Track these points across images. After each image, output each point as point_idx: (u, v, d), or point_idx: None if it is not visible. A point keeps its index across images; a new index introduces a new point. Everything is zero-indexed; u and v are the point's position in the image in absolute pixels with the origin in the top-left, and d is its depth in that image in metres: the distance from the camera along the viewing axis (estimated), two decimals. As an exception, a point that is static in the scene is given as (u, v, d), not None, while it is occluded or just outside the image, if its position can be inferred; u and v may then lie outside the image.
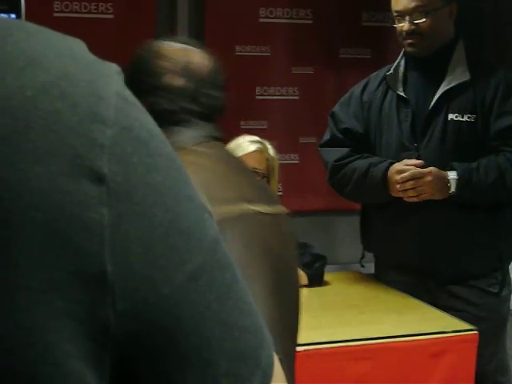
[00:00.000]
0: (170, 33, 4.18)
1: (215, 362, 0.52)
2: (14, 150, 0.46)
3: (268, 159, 3.07)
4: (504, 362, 3.03)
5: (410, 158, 2.97)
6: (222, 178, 1.64)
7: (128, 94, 0.52)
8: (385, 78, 3.13)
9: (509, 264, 3.07)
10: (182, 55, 1.72)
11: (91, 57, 0.52)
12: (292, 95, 4.40)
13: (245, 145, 3.05)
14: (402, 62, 3.14)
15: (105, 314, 0.47)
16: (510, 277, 3.07)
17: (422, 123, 3.02)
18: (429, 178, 2.90)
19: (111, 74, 0.52)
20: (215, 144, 1.73)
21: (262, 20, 4.32)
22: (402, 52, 3.16)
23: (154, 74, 1.70)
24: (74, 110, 0.48)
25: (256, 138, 3.12)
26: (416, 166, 2.92)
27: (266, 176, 3.05)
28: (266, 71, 4.33)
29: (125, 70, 0.54)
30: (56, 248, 0.46)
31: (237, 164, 1.81)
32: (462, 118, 2.96)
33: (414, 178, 2.88)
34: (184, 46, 1.74)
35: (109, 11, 3.98)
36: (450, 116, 2.98)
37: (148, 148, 0.51)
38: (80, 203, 0.47)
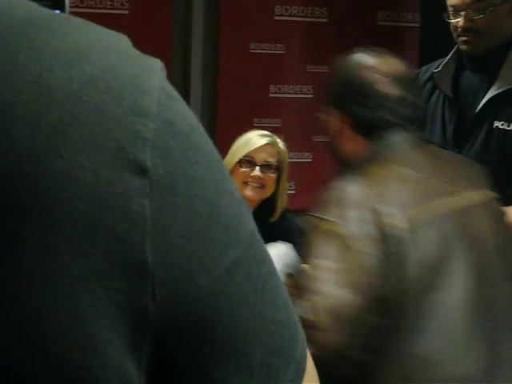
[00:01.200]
0: (185, 29, 4.18)
1: (251, 353, 0.53)
2: (60, 141, 0.47)
3: (279, 152, 3.07)
4: None
5: None
6: (428, 181, 1.75)
7: (170, 88, 0.54)
8: (432, 74, 2.99)
9: None
10: (387, 65, 1.98)
11: (136, 51, 0.54)
12: (306, 93, 4.40)
13: (255, 139, 3.05)
14: (454, 59, 2.98)
15: (144, 303, 0.48)
16: None
17: (467, 128, 2.88)
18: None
19: (155, 69, 0.53)
20: (424, 146, 1.85)
21: (277, 18, 4.32)
22: (454, 49, 3.00)
23: (365, 83, 1.90)
24: (119, 103, 0.49)
25: (265, 131, 3.12)
26: None
27: (278, 169, 3.05)
28: (281, 69, 4.33)
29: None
30: (98, 238, 0.47)
31: (446, 160, 1.92)
32: (508, 126, 2.80)
33: None
34: (383, 55, 1.93)
35: (124, 7, 3.99)
36: (496, 123, 2.81)
37: (189, 142, 0.52)
38: (123, 195, 0.48)
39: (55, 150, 0.47)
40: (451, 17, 2.90)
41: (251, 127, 3.44)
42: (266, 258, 0.56)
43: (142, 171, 0.49)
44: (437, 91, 2.99)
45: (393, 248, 1.58)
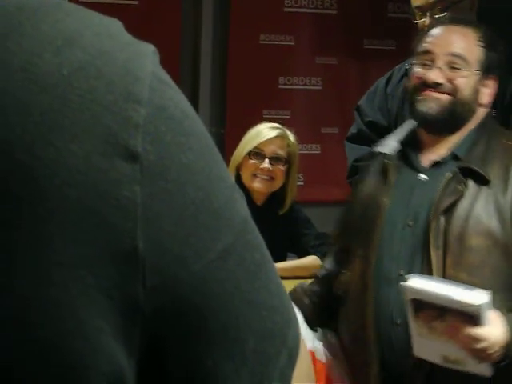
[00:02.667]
0: (195, 21, 4.18)
1: (242, 340, 0.53)
2: (50, 128, 0.46)
3: (289, 145, 3.07)
4: None
5: None
6: None
7: (163, 74, 0.53)
8: (406, 71, 3.09)
9: None
10: None
11: (128, 36, 0.53)
12: (315, 85, 4.39)
13: (265, 131, 3.05)
14: None
15: (135, 290, 0.48)
16: None
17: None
18: None
19: (147, 54, 0.52)
20: None
21: (286, 9, 4.31)
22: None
23: None
24: (110, 89, 0.49)
25: (276, 124, 3.12)
26: None
27: (288, 162, 3.05)
28: (290, 61, 4.33)
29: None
30: (89, 225, 0.47)
31: None
32: None
33: None
34: None
35: (134, -2, 4.00)
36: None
37: (182, 128, 0.52)
38: (113, 181, 0.48)
39: (46, 138, 0.46)
40: (417, 17, 2.98)
41: (260, 119, 3.45)
42: (260, 244, 0.55)
43: (132, 157, 0.48)
44: None
45: None
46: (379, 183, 2.19)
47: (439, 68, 2.14)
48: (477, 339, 1.85)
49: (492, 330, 1.88)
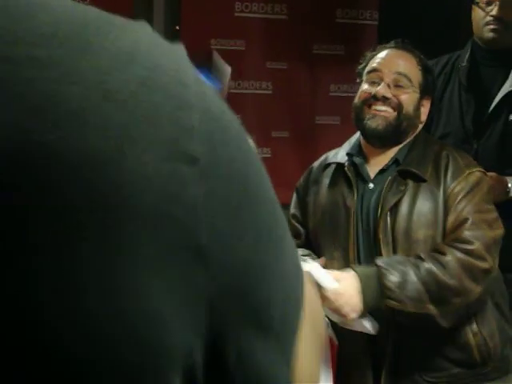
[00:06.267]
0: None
1: (274, 312, 0.58)
2: (125, 142, 0.51)
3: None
4: None
5: (468, 152, 2.84)
6: None
7: (198, 74, 0.58)
8: (455, 68, 3.10)
9: None
10: None
11: (164, 41, 0.58)
12: (265, 89, 4.43)
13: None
14: (465, 53, 3.11)
15: (201, 280, 0.53)
16: None
17: (484, 121, 3.00)
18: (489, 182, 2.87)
19: (186, 58, 0.58)
20: None
21: (237, 14, 4.35)
22: (469, 43, 3.13)
23: None
24: (167, 100, 0.54)
25: None
26: None
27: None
28: (241, 65, 4.36)
29: None
30: (162, 225, 0.52)
31: None
32: None
33: None
34: None
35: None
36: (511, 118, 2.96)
37: (222, 123, 0.57)
38: (179, 184, 0.53)
39: (123, 151, 0.51)
40: (484, 5, 3.02)
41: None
42: (282, 221, 0.62)
43: (192, 161, 0.53)
44: (450, 84, 3.12)
45: None
46: (340, 190, 2.44)
47: (387, 84, 2.40)
48: (325, 300, 2.16)
49: (341, 288, 2.19)
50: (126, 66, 0.53)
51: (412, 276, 2.19)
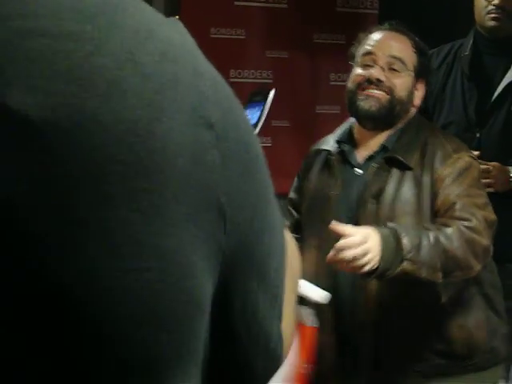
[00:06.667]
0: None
1: (271, 264, 0.65)
2: (157, 109, 0.56)
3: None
4: None
5: (470, 141, 2.87)
6: None
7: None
8: (458, 57, 3.10)
9: None
10: None
11: (167, 19, 0.62)
12: (266, 78, 4.43)
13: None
14: (470, 42, 3.11)
15: (220, 236, 0.59)
16: None
17: (486, 109, 3.01)
18: (492, 173, 2.89)
19: (185, 31, 0.63)
20: None
21: (237, 3, 4.34)
22: (471, 31, 3.14)
23: None
24: (185, 71, 0.58)
25: None
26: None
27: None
28: (241, 54, 4.36)
29: None
30: (189, 186, 0.56)
31: None
32: None
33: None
34: None
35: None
36: None
37: (226, 91, 0.63)
38: (201, 148, 0.57)
39: (156, 117, 0.55)
40: None
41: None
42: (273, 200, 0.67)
43: (210, 126, 0.58)
44: (453, 72, 3.12)
45: None
46: (325, 177, 2.42)
47: (381, 67, 2.36)
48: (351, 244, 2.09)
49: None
50: (147, 40, 0.57)
51: (425, 241, 2.14)
